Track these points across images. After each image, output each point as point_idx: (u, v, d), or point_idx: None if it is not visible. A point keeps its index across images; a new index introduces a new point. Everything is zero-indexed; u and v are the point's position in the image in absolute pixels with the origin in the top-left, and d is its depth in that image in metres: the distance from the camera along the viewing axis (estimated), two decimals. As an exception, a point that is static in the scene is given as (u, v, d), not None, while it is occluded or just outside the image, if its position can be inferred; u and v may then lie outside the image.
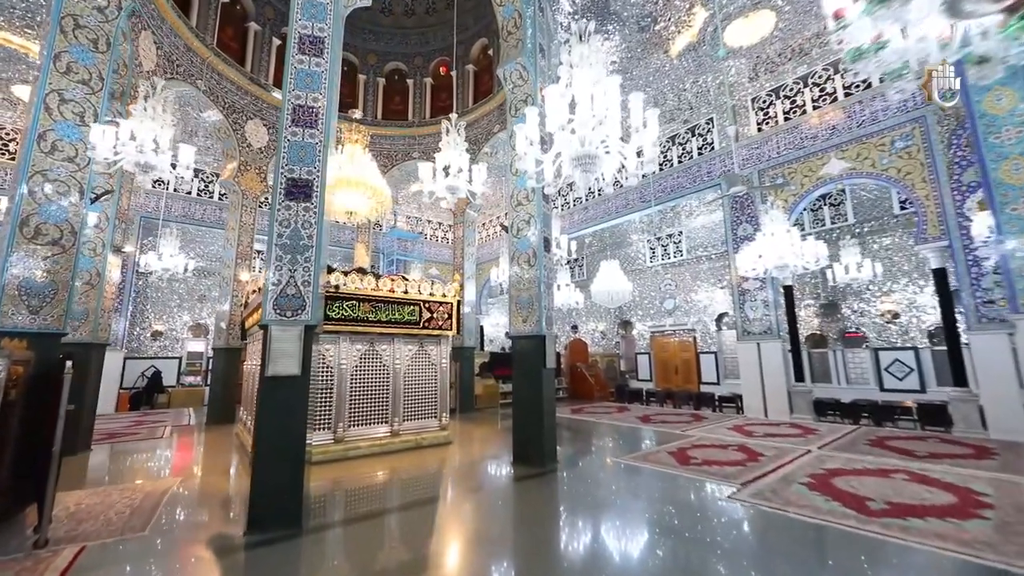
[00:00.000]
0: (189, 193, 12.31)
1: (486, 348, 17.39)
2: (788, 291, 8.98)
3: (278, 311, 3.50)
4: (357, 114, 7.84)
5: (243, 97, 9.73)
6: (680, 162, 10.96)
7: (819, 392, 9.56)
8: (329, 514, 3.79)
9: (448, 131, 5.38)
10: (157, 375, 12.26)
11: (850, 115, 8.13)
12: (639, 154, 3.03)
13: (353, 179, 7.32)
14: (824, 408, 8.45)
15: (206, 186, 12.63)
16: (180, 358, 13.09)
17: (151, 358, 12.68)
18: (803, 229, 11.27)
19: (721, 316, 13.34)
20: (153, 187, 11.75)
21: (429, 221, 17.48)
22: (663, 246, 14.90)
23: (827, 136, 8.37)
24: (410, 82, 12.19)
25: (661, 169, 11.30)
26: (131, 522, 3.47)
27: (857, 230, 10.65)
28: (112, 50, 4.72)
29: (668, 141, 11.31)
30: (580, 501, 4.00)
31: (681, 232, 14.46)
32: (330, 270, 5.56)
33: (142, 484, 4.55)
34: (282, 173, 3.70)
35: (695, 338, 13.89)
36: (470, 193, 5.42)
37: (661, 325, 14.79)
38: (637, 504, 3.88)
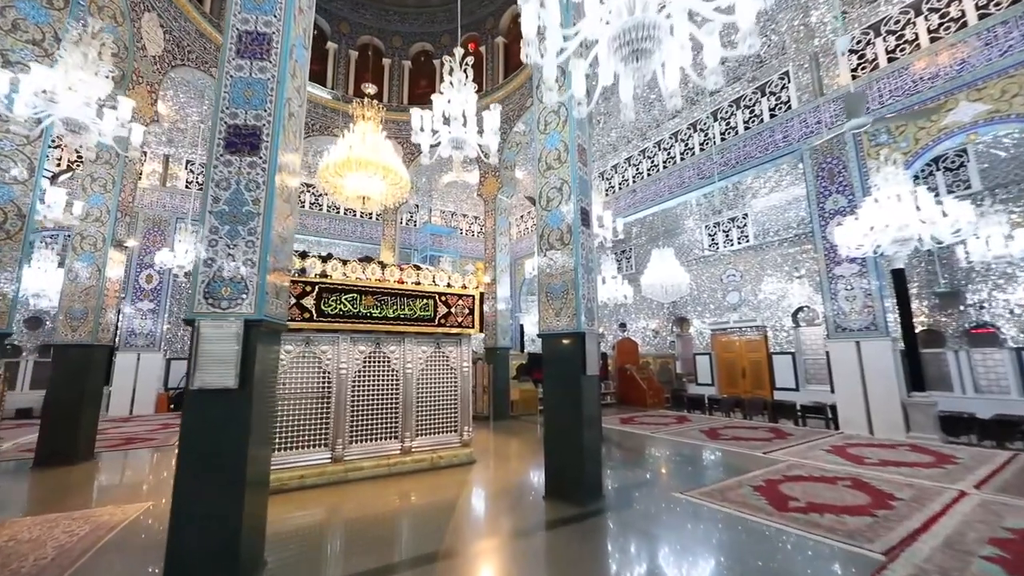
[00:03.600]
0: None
1: (526, 349, 16.28)
2: (899, 276, 7.12)
3: (210, 301, 2.58)
4: (371, 89, 7.06)
5: (262, 86, 9.27)
6: (747, 128, 9.26)
7: (943, 403, 7.55)
8: (291, 570, 2.84)
9: (451, 69, 4.30)
10: (196, 376, 12.25)
11: (988, 42, 6.20)
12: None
13: (365, 160, 6.48)
14: (955, 425, 6.55)
15: None
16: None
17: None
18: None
19: (798, 311, 11.36)
20: (187, 187, 11.73)
21: (464, 215, 16.68)
22: (724, 231, 13.05)
23: (953, 74, 6.47)
24: (436, 63, 11.35)
25: (723, 138, 9.64)
26: (44, 573, 2.70)
27: (985, 198, 8.44)
28: (71, 6, 4.09)
29: (731, 105, 9.63)
30: (638, 570, 2.78)
31: (746, 215, 12.56)
32: (304, 255, 4.67)
33: (105, 510, 3.87)
34: (222, 119, 2.79)
35: (766, 336, 11.97)
36: (481, 150, 4.33)
37: (724, 322, 12.96)
38: (723, 582, 2.60)
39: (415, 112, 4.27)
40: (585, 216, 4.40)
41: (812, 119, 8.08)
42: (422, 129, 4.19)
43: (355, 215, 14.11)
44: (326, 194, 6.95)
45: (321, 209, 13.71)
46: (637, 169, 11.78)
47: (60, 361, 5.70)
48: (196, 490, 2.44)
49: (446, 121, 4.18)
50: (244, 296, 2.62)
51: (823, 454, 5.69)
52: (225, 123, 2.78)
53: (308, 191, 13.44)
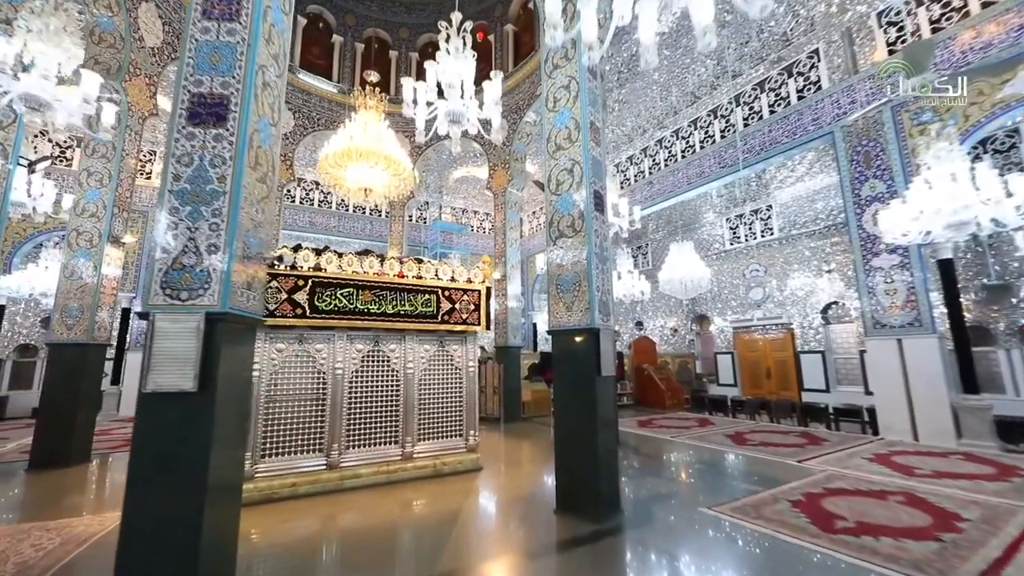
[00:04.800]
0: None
1: (539, 349, 15.86)
2: (946, 267, 6.48)
3: (168, 292, 2.26)
4: (373, 77, 6.76)
5: (266, 79, 9.07)
6: (772, 112, 8.68)
7: (996, 407, 6.88)
8: (267, 599, 2.52)
9: (448, 36, 3.91)
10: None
11: (1051, 4, 5.55)
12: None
13: (365, 150, 6.18)
14: (1011, 431, 5.92)
15: None
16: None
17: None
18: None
19: (828, 307, 10.69)
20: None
21: (475, 212, 16.36)
22: (746, 224, 12.42)
23: (1011, 40, 5.83)
24: (444, 53, 11.02)
25: (746, 124, 9.07)
26: (-5, 598, 2.42)
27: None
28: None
29: (754, 89, 9.06)
30: (661, 605, 2.37)
31: (770, 206, 11.92)
32: (297, 248, 4.37)
33: (81, 520, 3.62)
34: (185, 87, 2.47)
35: (792, 334, 11.32)
36: (482, 126, 3.94)
37: (747, 319, 12.34)
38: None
39: (407, 82, 3.90)
40: (599, 200, 3.98)
41: (845, 99, 7.47)
42: (415, 102, 3.82)
43: (364, 212, 13.90)
44: (329, 187, 6.67)
45: (330, 207, 13.54)
46: (653, 160, 11.25)
47: (55, 361, 5.54)
48: (149, 506, 2.12)
49: (441, 94, 3.80)
50: (207, 286, 2.29)
51: (865, 463, 5.14)
52: (188, 92, 2.46)
53: (316, 188, 13.29)
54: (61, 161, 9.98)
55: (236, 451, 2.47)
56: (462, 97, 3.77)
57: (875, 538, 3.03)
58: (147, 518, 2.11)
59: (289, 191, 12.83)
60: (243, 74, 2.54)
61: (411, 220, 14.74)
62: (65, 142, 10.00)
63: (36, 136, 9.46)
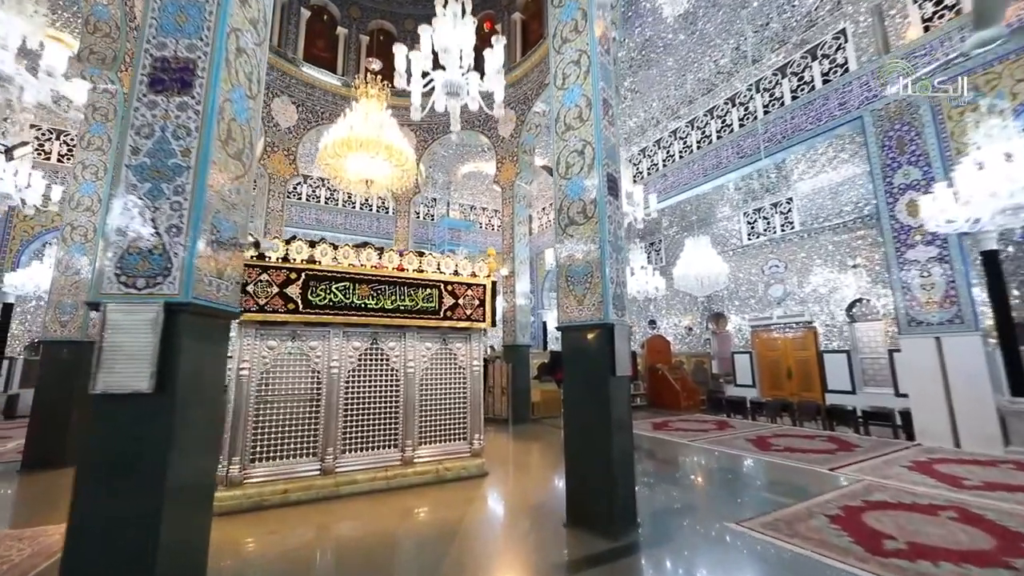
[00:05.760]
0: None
1: (548, 348, 15.52)
2: (991, 258, 5.99)
3: (123, 279, 1.99)
4: (375, 65, 6.51)
5: (269, 72, 8.89)
6: (795, 98, 8.21)
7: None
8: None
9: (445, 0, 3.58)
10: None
11: (1112, -32, 5.04)
12: None
13: (366, 139, 5.91)
14: (1066, 438, 5.41)
15: None
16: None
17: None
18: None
19: (854, 304, 10.15)
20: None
21: (484, 209, 16.07)
22: (765, 218, 11.90)
23: (1064, 10, 5.33)
24: (450, 45, 10.74)
25: (766, 111, 8.62)
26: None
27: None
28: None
29: (775, 74, 8.60)
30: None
31: (790, 199, 11.38)
32: (290, 240, 4.11)
33: (58, 528, 3.39)
34: (147, 51, 2.20)
35: (815, 333, 10.79)
36: (483, 101, 3.62)
37: (766, 317, 11.83)
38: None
39: (399, 50, 3.59)
40: (612, 183, 3.64)
41: (876, 82, 6.99)
42: (408, 72, 3.51)
43: (371, 209, 13.72)
44: (330, 179, 6.42)
45: (336, 204, 13.38)
46: (667, 152, 10.83)
47: (48, 359, 5.39)
48: (99, 519, 1.85)
49: (438, 64, 3.49)
50: (166, 273, 2.01)
51: (905, 472, 4.71)
52: (151, 55, 2.20)
53: (323, 185, 13.13)
54: (39, 154, 9.80)
55: (203, 459, 2.20)
56: (461, 67, 3.45)
57: (933, 563, 2.65)
58: (96, 535, 1.85)
59: (296, 188, 12.70)
60: (212, 36, 2.26)
61: (418, 217, 14.51)
62: (43, 134, 9.84)
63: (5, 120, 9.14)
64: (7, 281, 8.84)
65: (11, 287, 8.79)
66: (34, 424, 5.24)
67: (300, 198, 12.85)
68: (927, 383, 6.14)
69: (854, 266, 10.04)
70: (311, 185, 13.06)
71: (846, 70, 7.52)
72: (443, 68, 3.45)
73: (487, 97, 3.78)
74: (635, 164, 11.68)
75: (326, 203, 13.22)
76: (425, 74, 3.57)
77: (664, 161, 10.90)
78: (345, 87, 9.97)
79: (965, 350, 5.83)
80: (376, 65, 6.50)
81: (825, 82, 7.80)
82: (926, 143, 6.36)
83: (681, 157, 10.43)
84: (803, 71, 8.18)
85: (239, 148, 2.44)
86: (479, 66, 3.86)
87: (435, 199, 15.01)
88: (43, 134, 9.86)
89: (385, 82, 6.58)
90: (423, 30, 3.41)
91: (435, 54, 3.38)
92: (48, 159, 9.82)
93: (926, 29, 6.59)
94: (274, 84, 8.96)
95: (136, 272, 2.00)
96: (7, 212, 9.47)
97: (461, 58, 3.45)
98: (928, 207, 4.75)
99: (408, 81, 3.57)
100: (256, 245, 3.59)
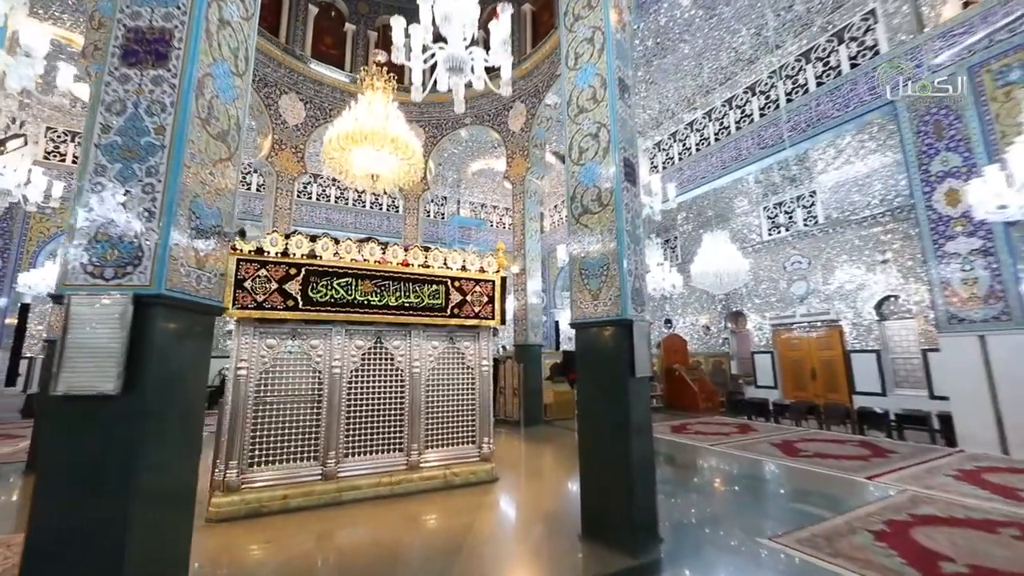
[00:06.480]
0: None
1: (561, 348, 15.23)
2: (1042, 250, 5.53)
3: (89, 269, 1.81)
4: (381, 57, 6.33)
5: (276, 70, 8.82)
6: (820, 84, 7.79)
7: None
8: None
9: None
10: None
11: None
12: None
13: (370, 132, 5.73)
14: None
15: (243, 177, 12.21)
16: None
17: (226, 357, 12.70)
18: None
19: (883, 301, 9.65)
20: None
21: (495, 207, 15.86)
22: (786, 213, 11.43)
23: None
24: (459, 39, 10.54)
25: (789, 99, 8.21)
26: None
27: None
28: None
29: (798, 60, 8.19)
30: None
31: (813, 192, 10.90)
32: (290, 235, 3.93)
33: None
34: (119, 20, 2.02)
35: (841, 332, 10.30)
36: (488, 79, 3.38)
37: (788, 316, 11.36)
38: None
39: (397, 22, 3.37)
40: (630, 169, 3.37)
41: (910, 63, 6.56)
42: (407, 46, 3.29)
43: (380, 208, 13.62)
44: (335, 174, 6.26)
45: (346, 203, 13.30)
46: (684, 144, 10.46)
47: (52, 356, 5.31)
48: (58, 531, 1.66)
49: (436, 33, 3.25)
50: (137, 262, 1.82)
51: (951, 482, 4.33)
52: (124, 26, 2.01)
53: (333, 184, 13.06)
54: (54, 155, 9.81)
55: (180, 467, 2.00)
56: (465, 39, 3.21)
57: (1004, 592, 2.32)
58: (56, 551, 1.66)
59: (306, 187, 12.66)
60: (190, 3, 2.07)
61: (428, 216, 14.36)
62: (59, 136, 9.87)
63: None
64: (22, 281, 8.92)
65: (26, 287, 8.87)
66: (38, 423, 5.17)
67: (311, 197, 12.80)
68: (970, 384, 5.71)
69: (883, 261, 9.54)
70: (321, 184, 13.01)
71: (876, 53, 7.09)
72: (444, 41, 3.22)
73: (492, 71, 3.50)
74: (650, 159, 11.32)
75: (335, 202, 13.15)
76: (425, 48, 3.34)
77: (680, 154, 10.53)
78: (353, 83, 9.84)
79: (1014, 349, 5.39)
80: (383, 57, 6.32)
81: (853, 66, 7.38)
82: (967, 127, 5.92)
83: (698, 150, 10.06)
84: (829, 55, 7.76)
85: (223, 129, 2.24)
86: (485, 48, 3.64)
87: (445, 197, 14.85)
88: (58, 136, 9.94)
89: (391, 74, 6.40)
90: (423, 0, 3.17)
91: (436, 32, 3.15)
92: (63, 161, 9.90)
93: (965, 5, 6.15)
94: (282, 81, 8.87)
95: (104, 261, 1.81)
96: (24, 214, 9.58)
97: (464, 29, 3.21)
98: (977, 192, 4.36)
99: (407, 56, 3.34)
100: (242, 234, 3.41)
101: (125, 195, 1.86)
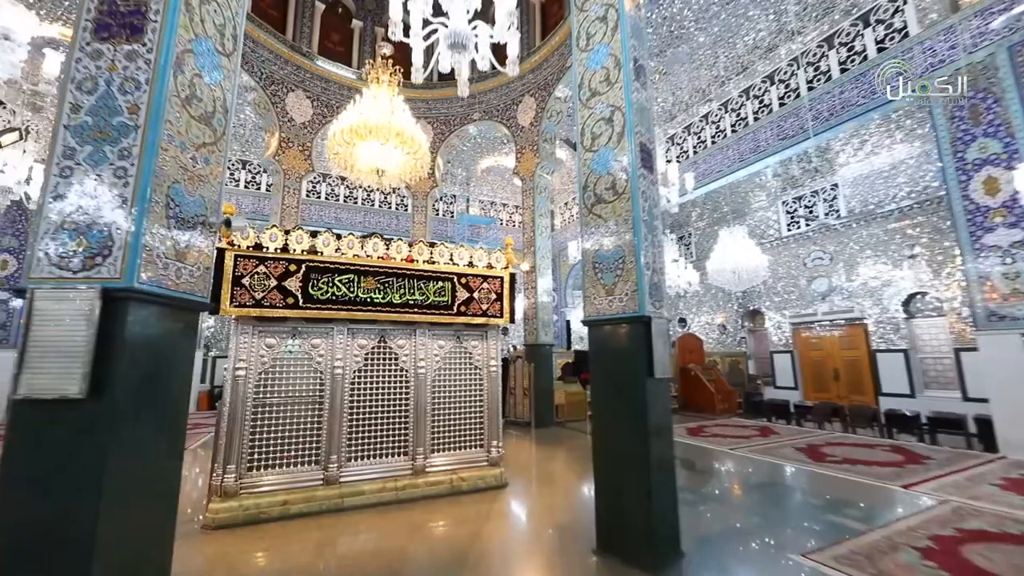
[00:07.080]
0: (236, 185, 11.89)
1: (573, 347, 14.96)
2: (1093, 241, 5.13)
3: (55, 260, 1.65)
4: (387, 50, 6.17)
5: (283, 67, 8.74)
6: (844, 71, 7.43)
7: None
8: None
9: None
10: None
11: None
12: None
13: (375, 126, 5.58)
14: None
15: (253, 177, 12.17)
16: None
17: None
18: None
19: (911, 298, 9.21)
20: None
21: (504, 204, 15.66)
22: (807, 207, 11.01)
23: None
24: (467, 33, 10.37)
25: (811, 87, 7.86)
26: None
27: None
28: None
29: (820, 46, 7.82)
30: None
31: (835, 185, 10.47)
32: (290, 231, 3.78)
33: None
34: (92, -8, 1.87)
35: (866, 330, 9.88)
36: (492, 58, 3.18)
37: (809, 314, 10.96)
38: None
39: (394, 0, 3.19)
40: (646, 155, 3.14)
41: (943, 45, 6.18)
42: (404, 22, 3.10)
43: (390, 207, 13.53)
44: (339, 170, 6.12)
45: (355, 202, 13.23)
46: (698, 137, 10.13)
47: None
48: (21, 543, 1.51)
49: (438, 11, 3.06)
50: (107, 253, 1.66)
51: (998, 492, 4.00)
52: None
53: (342, 184, 13.00)
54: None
55: (158, 471, 1.83)
56: (468, 12, 3.01)
57: (1080, 623, 2.04)
58: (20, 562, 1.51)
59: (315, 187, 12.62)
60: (168, -26, 1.91)
61: (437, 214, 14.23)
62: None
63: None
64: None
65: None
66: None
67: (319, 197, 12.76)
68: (1013, 386, 5.33)
69: (911, 256, 9.10)
70: (330, 184, 12.96)
71: (906, 35, 6.71)
72: (446, 16, 3.04)
73: (498, 49, 3.29)
74: (664, 153, 11.00)
75: (344, 201, 13.08)
76: (427, 23, 3.15)
77: (695, 148, 10.20)
78: (360, 80, 9.74)
79: (1061, 348, 5.01)
80: (388, 49, 6.18)
81: (880, 50, 7.00)
82: (1008, 111, 5.54)
83: (714, 142, 9.72)
84: (853, 40, 7.38)
85: (207, 111, 2.08)
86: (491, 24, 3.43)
87: (454, 195, 14.70)
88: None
89: (397, 67, 6.25)
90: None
91: (436, 5, 2.97)
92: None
93: (1005, -20, 5.75)
94: (288, 79, 8.80)
95: (71, 252, 1.65)
96: (32, 212, 9.67)
97: (467, 1, 3.01)
98: (1020, 180, 4.02)
99: (406, 32, 3.16)
100: (227, 224, 3.27)
101: (96, 180, 1.71)
